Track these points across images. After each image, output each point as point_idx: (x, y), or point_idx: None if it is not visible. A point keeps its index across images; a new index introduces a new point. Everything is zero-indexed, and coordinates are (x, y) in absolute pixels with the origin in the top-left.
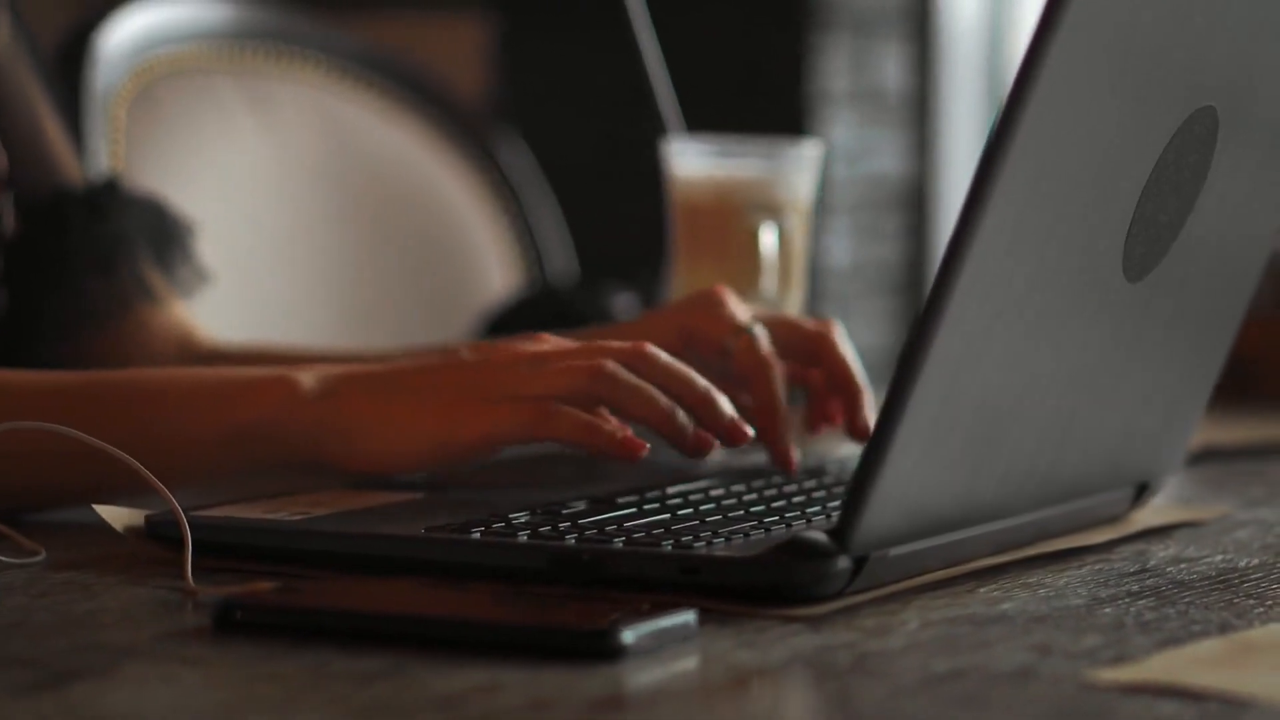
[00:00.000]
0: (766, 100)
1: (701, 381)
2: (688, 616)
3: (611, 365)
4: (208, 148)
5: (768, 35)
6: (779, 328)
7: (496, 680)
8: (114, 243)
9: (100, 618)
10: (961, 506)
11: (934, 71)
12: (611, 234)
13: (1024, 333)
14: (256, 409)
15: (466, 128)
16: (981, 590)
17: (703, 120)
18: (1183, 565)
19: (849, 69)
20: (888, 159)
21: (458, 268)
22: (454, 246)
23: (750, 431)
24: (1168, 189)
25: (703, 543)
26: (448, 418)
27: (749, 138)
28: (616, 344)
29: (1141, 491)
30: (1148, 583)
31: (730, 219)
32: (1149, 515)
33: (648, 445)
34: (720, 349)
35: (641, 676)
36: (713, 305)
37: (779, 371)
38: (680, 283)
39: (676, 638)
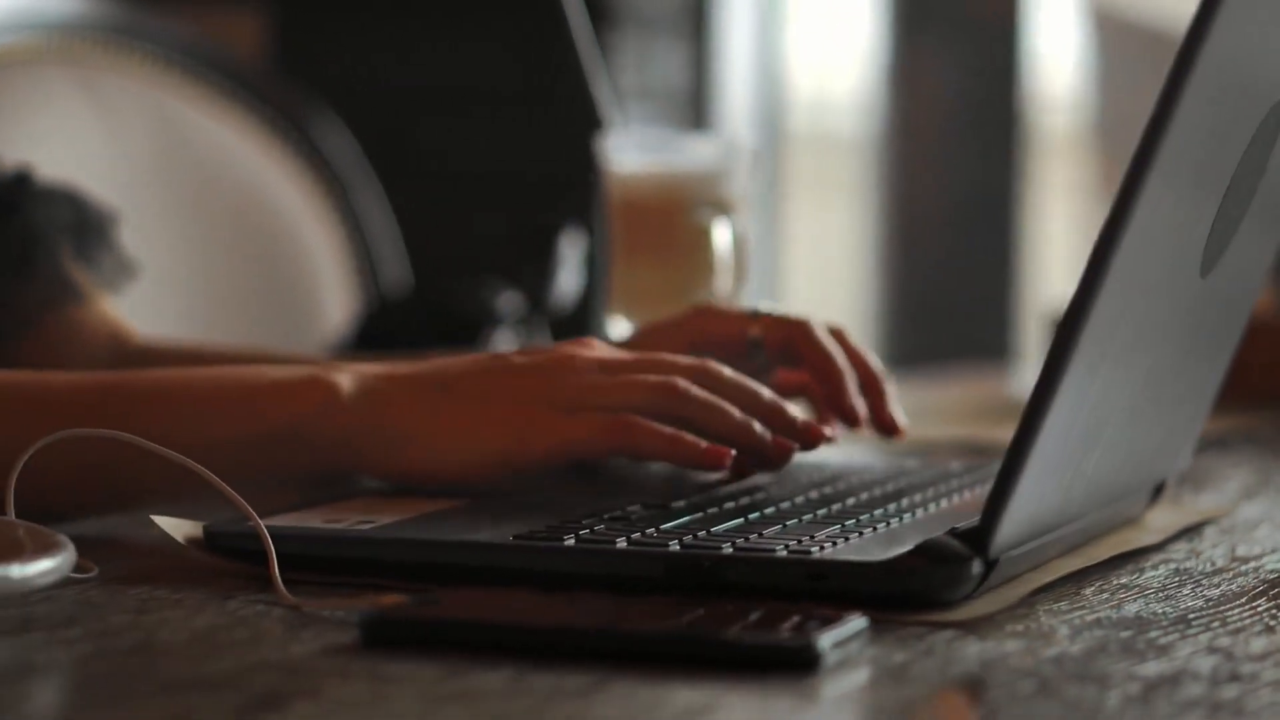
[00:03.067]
0: (559, 100)
1: (767, 393)
2: (862, 623)
3: (684, 382)
4: (44, 142)
5: (557, 33)
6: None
7: (715, 696)
8: (32, 240)
9: (228, 634)
10: (1057, 511)
11: (710, 70)
12: (418, 231)
13: (1131, 338)
14: (289, 411)
15: (294, 122)
16: (1086, 593)
17: (494, 119)
18: (1252, 564)
19: (636, 66)
20: None
21: (291, 264)
22: (286, 243)
23: (829, 431)
24: (1243, 184)
25: (817, 547)
26: (517, 426)
27: (684, 133)
28: (684, 360)
29: (1158, 490)
30: (1238, 584)
31: (677, 216)
32: (1170, 514)
33: (733, 452)
34: (743, 342)
35: (854, 687)
36: (713, 310)
37: (819, 326)
38: (622, 282)
39: (855, 646)
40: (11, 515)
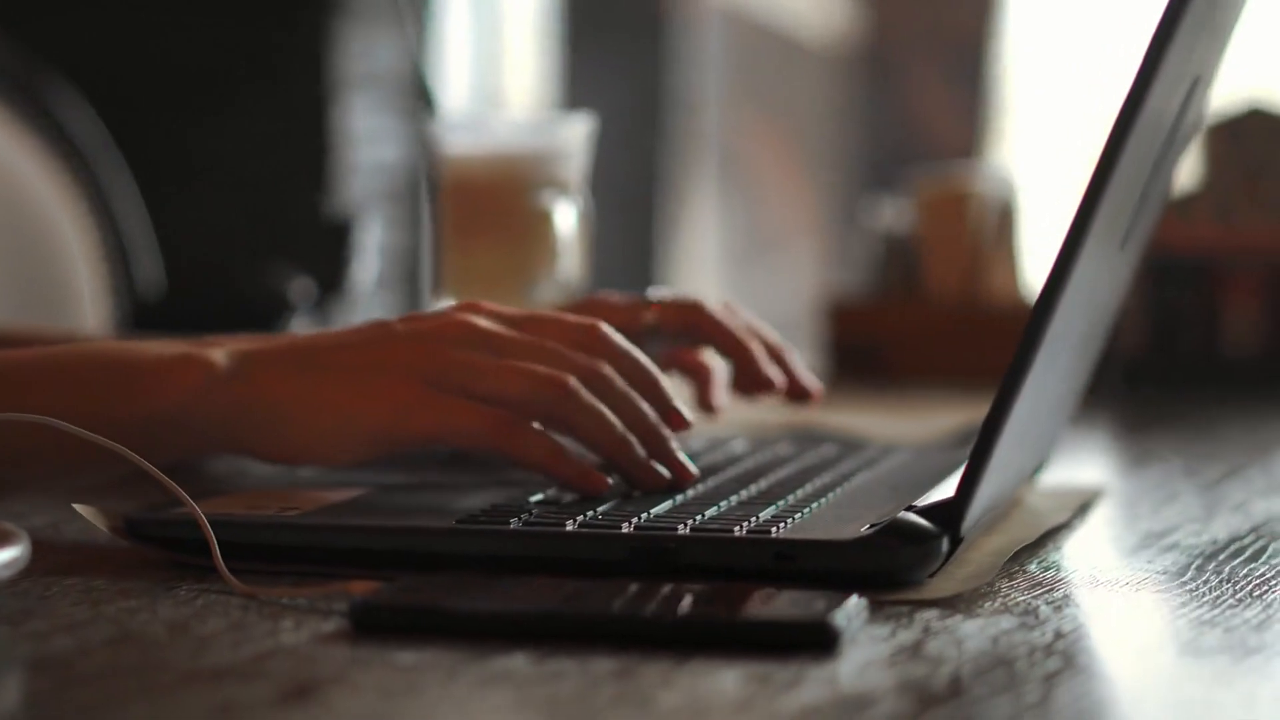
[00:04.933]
0: (287, 87)
1: (652, 414)
2: (862, 602)
3: (574, 382)
4: None
5: (285, 20)
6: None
7: (753, 675)
8: None
9: (204, 625)
10: (998, 491)
11: (430, 58)
12: (158, 216)
13: (1075, 317)
14: (168, 394)
15: (36, 101)
16: (1031, 569)
17: (224, 108)
18: (1166, 539)
19: (360, 54)
20: (396, 145)
21: (42, 248)
22: (35, 227)
23: (695, 471)
24: (1162, 155)
25: (773, 526)
26: (396, 403)
27: (517, 113)
28: (581, 358)
29: (1035, 471)
30: (1171, 558)
31: (515, 199)
32: (1050, 494)
33: (610, 482)
34: (639, 330)
35: (885, 666)
36: (604, 300)
37: (714, 303)
38: (455, 266)
39: (856, 625)
40: None
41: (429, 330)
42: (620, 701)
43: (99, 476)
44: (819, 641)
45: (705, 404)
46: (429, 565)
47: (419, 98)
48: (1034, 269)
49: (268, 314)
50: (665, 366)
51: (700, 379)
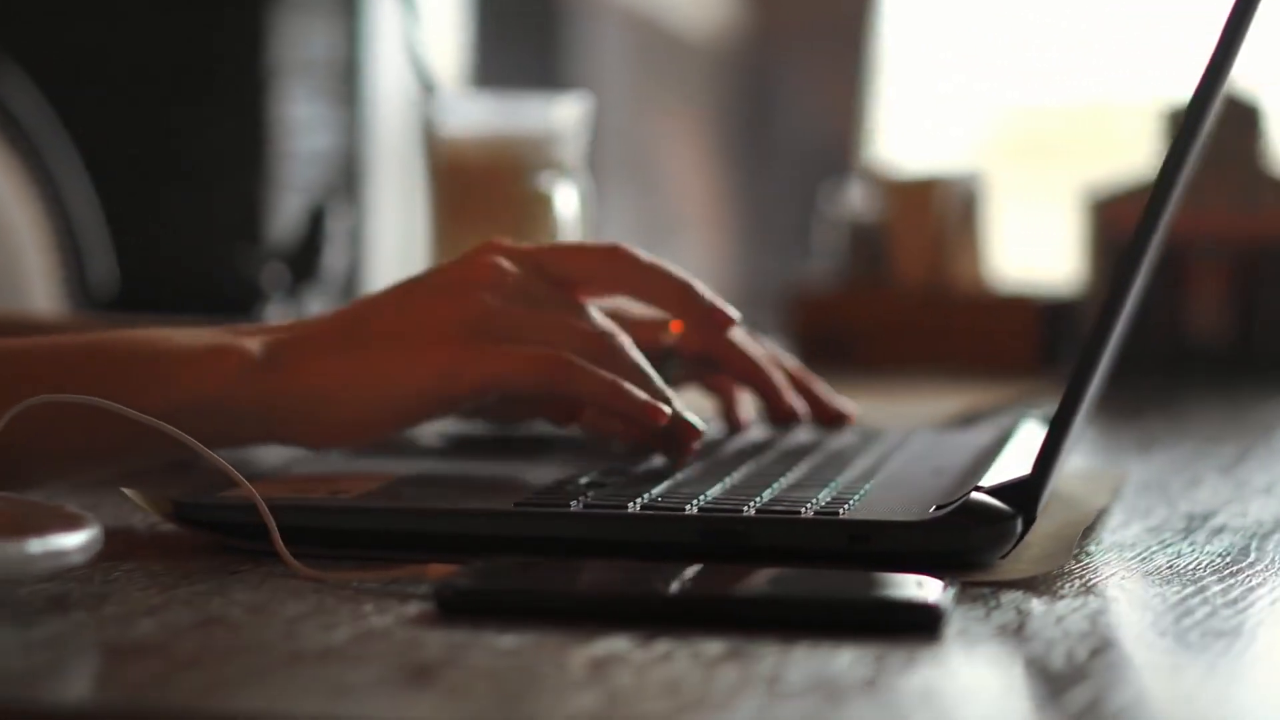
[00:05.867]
0: (222, 74)
1: (658, 378)
2: (953, 586)
3: (622, 340)
4: None
5: (221, 6)
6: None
7: (869, 656)
8: None
9: (284, 609)
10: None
11: (362, 46)
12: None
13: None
14: (202, 383)
15: None
16: (1091, 550)
17: (155, 97)
18: (1211, 523)
19: (295, 42)
20: (331, 133)
21: None
22: None
23: (702, 427)
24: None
25: (840, 508)
26: (439, 364)
27: (518, 92)
28: (585, 326)
29: None
30: (1226, 541)
31: (513, 182)
32: (1085, 481)
33: (669, 411)
34: (656, 350)
35: (997, 646)
36: (624, 316)
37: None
38: (449, 254)
39: (952, 607)
40: None
41: (458, 280)
42: (747, 682)
43: (133, 464)
44: (925, 623)
45: (731, 419)
46: (482, 548)
47: (418, 79)
48: (997, 256)
49: (240, 301)
50: (684, 386)
51: (725, 395)
